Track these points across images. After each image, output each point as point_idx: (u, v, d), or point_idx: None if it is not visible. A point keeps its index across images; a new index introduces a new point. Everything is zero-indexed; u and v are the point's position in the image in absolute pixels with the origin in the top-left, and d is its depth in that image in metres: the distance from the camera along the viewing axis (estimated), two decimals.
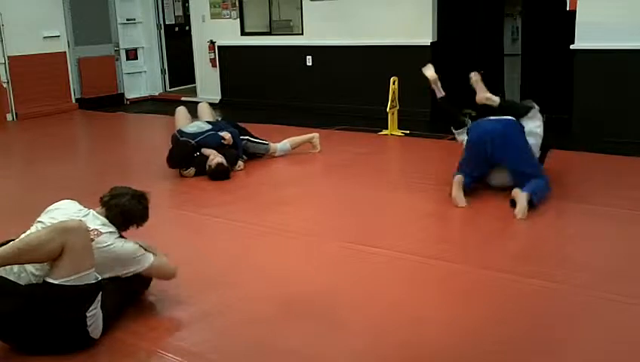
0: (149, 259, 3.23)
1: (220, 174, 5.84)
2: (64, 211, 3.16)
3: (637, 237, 4.27)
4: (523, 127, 4.92)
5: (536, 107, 5.13)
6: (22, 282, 2.86)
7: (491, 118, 5.02)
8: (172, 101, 11.11)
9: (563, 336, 3.00)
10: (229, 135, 6.16)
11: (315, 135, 6.83)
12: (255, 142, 6.52)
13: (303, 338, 3.06)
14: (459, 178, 4.88)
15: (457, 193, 4.83)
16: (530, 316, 3.20)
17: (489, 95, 5.19)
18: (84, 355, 2.91)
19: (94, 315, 2.92)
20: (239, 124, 6.62)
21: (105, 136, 8.72)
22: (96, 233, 3.07)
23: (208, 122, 6.35)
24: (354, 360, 2.89)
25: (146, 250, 3.28)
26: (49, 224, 2.98)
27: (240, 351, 2.98)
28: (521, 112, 5.04)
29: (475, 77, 5.37)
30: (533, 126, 5.00)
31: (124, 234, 3.30)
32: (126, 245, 3.17)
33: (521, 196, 4.57)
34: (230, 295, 3.51)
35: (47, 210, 3.24)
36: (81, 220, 2.95)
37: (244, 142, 6.40)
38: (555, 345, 2.92)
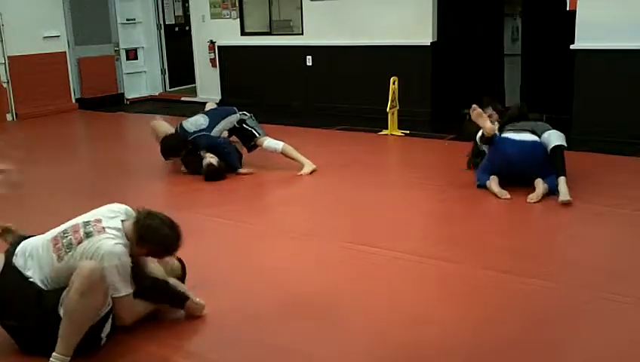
0: (126, 290, 2.96)
1: (212, 174, 5.78)
2: (96, 212, 3.10)
3: (637, 237, 4.27)
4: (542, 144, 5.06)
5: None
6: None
7: (516, 138, 5.04)
8: (172, 101, 11.14)
9: (563, 336, 3.01)
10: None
11: (308, 168, 5.93)
12: (247, 130, 6.15)
13: (303, 338, 3.06)
14: (494, 178, 5.02)
15: (498, 189, 4.96)
16: (530, 316, 3.20)
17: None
18: (84, 355, 2.90)
19: (107, 328, 2.93)
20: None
21: (105, 136, 8.72)
22: (100, 229, 2.94)
23: (206, 113, 6.22)
24: (354, 360, 2.89)
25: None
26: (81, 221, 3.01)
27: (240, 351, 2.98)
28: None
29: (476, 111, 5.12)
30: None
31: None
32: (118, 249, 2.90)
33: (540, 184, 4.88)
34: (230, 295, 3.51)
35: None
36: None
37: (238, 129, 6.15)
38: (555, 345, 2.92)
